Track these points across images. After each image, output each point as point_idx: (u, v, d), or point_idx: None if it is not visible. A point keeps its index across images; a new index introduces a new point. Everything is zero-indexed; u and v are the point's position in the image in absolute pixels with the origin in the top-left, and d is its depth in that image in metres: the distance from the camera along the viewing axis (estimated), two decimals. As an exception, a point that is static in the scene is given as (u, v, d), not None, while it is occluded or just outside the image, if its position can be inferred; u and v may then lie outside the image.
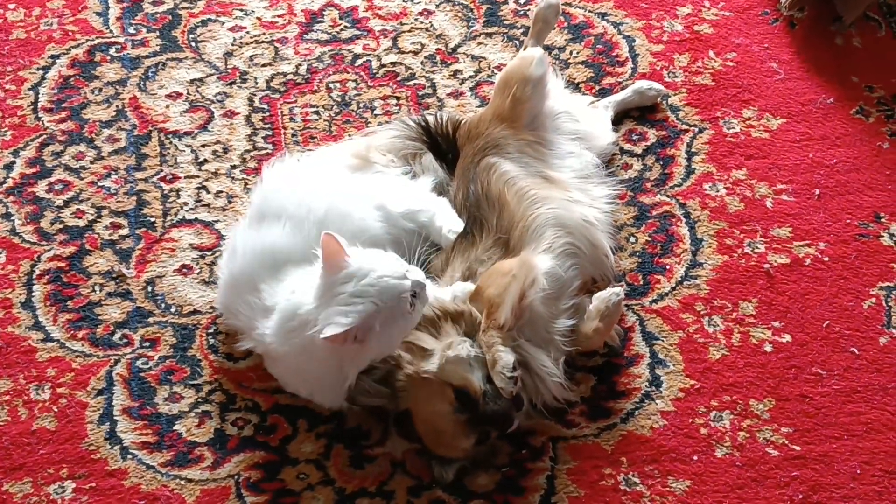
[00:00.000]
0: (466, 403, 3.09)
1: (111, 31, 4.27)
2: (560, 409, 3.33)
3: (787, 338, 3.53)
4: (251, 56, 4.21)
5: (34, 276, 3.65)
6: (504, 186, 3.47)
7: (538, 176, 3.55)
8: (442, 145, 3.74)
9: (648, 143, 3.97)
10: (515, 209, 3.42)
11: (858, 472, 3.28)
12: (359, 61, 4.21)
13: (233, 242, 3.41)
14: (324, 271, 3.06)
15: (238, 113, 4.05)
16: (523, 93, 3.61)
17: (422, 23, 4.32)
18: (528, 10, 4.33)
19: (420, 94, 4.11)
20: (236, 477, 3.27)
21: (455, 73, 4.15)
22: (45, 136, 3.98)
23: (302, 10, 4.36)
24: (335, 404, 3.30)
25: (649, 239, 3.74)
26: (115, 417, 3.37)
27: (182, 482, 3.26)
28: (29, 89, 4.10)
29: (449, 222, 3.46)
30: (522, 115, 3.62)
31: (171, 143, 3.97)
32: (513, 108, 3.62)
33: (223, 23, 4.31)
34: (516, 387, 3.07)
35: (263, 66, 4.19)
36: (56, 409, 3.38)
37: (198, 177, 3.89)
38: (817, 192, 3.84)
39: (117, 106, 4.06)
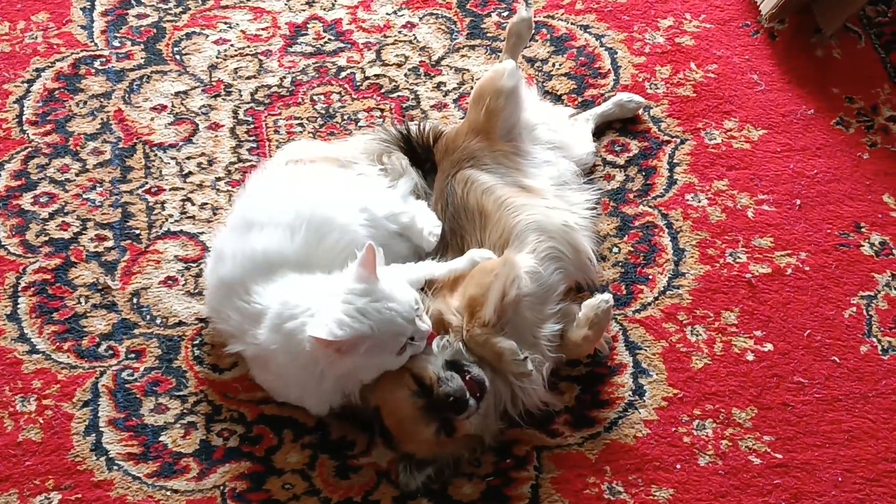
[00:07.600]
0: (423, 388, 3.13)
1: (96, 44, 4.28)
2: (544, 416, 3.35)
3: (768, 347, 3.55)
4: (236, 69, 4.23)
5: (19, 289, 3.66)
6: (482, 196, 3.49)
7: (515, 185, 3.57)
8: (419, 153, 3.77)
9: (631, 154, 3.99)
10: (495, 218, 3.44)
11: (840, 479, 3.30)
12: (343, 74, 4.22)
13: (219, 248, 3.41)
14: (355, 275, 3.09)
15: (223, 125, 4.06)
16: (497, 104, 3.63)
17: (405, 35, 4.34)
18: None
19: (404, 106, 4.12)
20: (222, 487, 3.28)
21: (439, 86, 4.17)
22: (30, 149, 3.98)
23: (286, 23, 4.37)
24: (322, 410, 3.32)
25: (632, 249, 3.76)
26: (100, 429, 3.38)
27: (168, 493, 3.27)
28: (14, 102, 4.10)
29: (429, 224, 3.49)
30: (497, 127, 3.64)
31: (155, 155, 3.98)
32: (487, 119, 3.64)
33: (207, 36, 4.32)
34: (531, 369, 3.17)
35: (248, 78, 4.20)
36: (42, 421, 3.39)
37: (183, 189, 3.90)
38: (798, 202, 3.87)
39: (102, 118, 4.07)
